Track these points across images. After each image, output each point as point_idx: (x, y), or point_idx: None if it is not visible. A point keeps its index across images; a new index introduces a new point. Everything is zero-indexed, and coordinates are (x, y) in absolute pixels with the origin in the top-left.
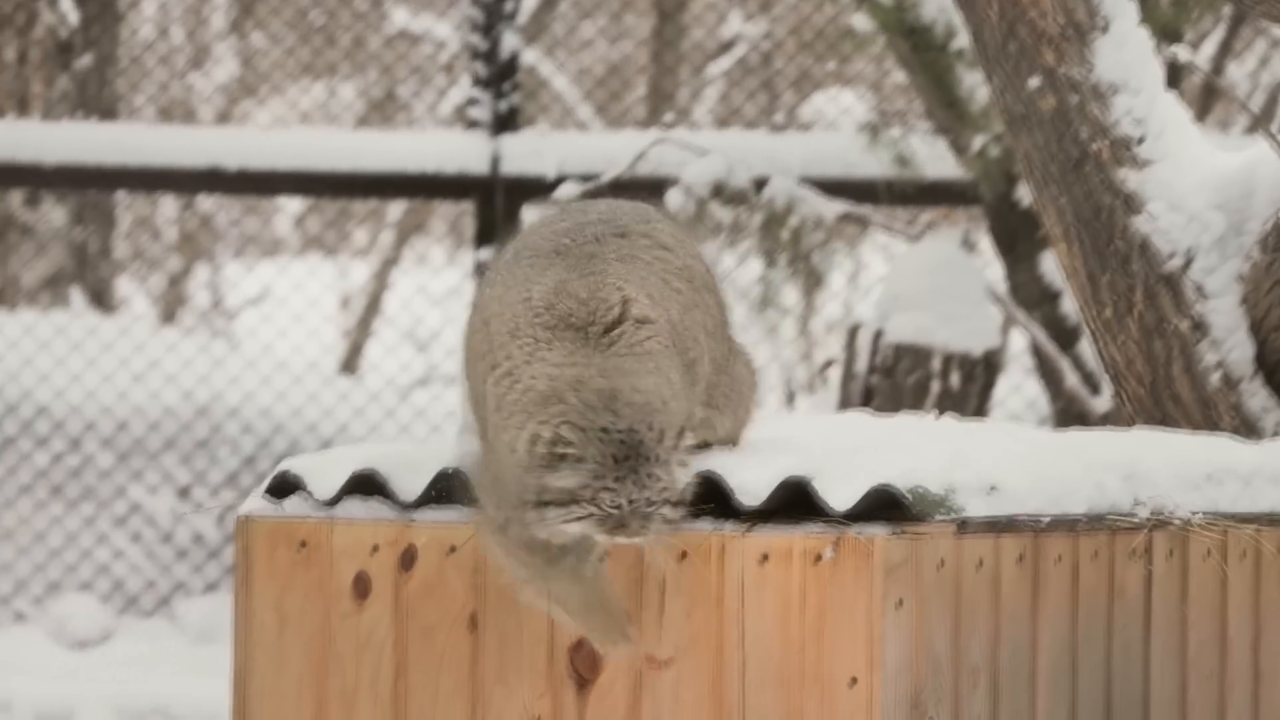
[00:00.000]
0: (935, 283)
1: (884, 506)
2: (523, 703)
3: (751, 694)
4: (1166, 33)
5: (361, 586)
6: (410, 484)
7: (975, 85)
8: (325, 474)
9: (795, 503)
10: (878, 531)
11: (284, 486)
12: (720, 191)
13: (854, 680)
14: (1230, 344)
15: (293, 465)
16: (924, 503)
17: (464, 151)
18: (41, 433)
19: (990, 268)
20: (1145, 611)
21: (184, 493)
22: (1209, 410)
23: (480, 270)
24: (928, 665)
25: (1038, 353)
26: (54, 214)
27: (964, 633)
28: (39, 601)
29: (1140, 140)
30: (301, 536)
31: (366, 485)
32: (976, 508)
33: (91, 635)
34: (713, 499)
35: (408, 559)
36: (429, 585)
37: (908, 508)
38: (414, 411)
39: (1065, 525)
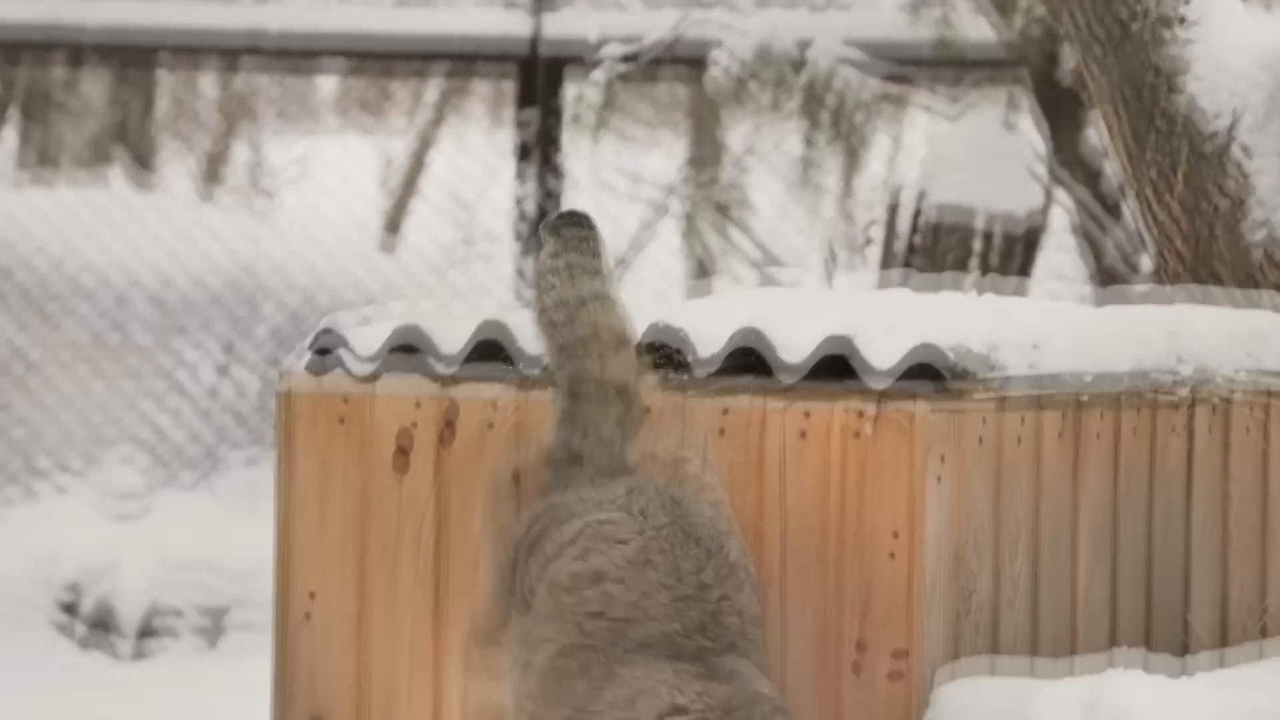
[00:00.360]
0: (976, 158)
1: (926, 373)
2: None
3: (791, 565)
4: None
5: (402, 457)
6: (452, 347)
7: None
8: (366, 340)
9: (837, 370)
10: (918, 406)
11: (324, 353)
12: (760, 67)
13: (893, 554)
14: (1276, 204)
15: (333, 328)
16: (967, 361)
17: (504, 26)
18: (81, 306)
19: (1032, 142)
20: (1186, 483)
21: (223, 368)
22: (1253, 281)
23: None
24: (968, 535)
25: (1080, 227)
26: (93, 88)
27: (1005, 501)
28: (81, 471)
29: (1186, 4)
30: (341, 405)
31: (408, 347)
32: (1020, 370)
33: (133, 506)
34: (753, 366)
35: (449, 429)
36: (470, 455)
37: (950, 368)
38: (452, 288)
39: (1107, 398)
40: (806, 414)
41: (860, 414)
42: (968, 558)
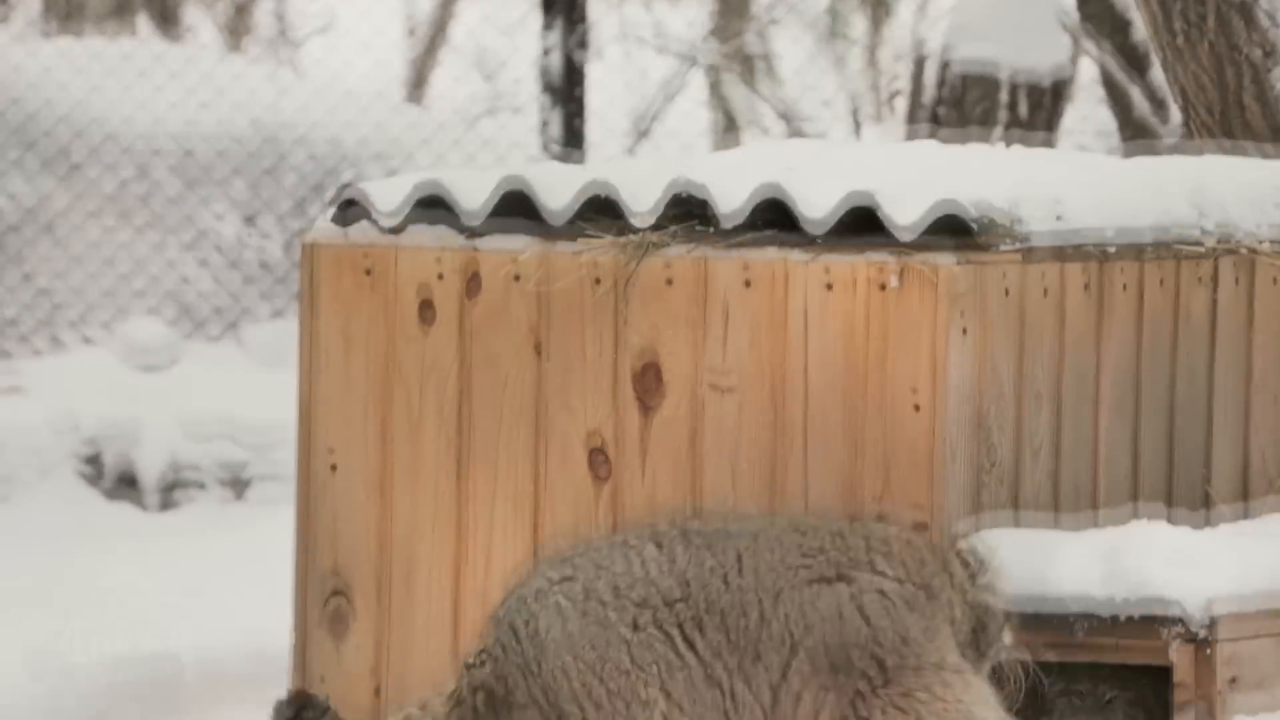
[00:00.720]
0: (1004, 10)
1: (951, 230)
2: (586, 427)
3: (814, 418)
4: None
5: (427, 311)
6: (476, 201)
7: None
8: (390, 194)
9: (861, 226)
10: (943, 255)
11: (348, 206)
12: None
13: (917, 406)
14: None
15: (358, 190)
16: (990, 224)
17: None
18: (108, 158)
19: None
20: (1210, 336)
21: (250, 219)
22: None
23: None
24: (991, 391)
25: (1107, 81)
26: None
27: (1028, 358)
28: (107, 325)
29: None
30: (366, 261)
31: (432, 202)
32: (1043, 231)
33: (159, 359)
34: (777, 222)
35: (473, 285)
36: (494, 310)
37: (974, 231)
38: (480, 140)
39: (1131, 251)
40: (827, 269)
41: (885, 266)
42: (990, 411)
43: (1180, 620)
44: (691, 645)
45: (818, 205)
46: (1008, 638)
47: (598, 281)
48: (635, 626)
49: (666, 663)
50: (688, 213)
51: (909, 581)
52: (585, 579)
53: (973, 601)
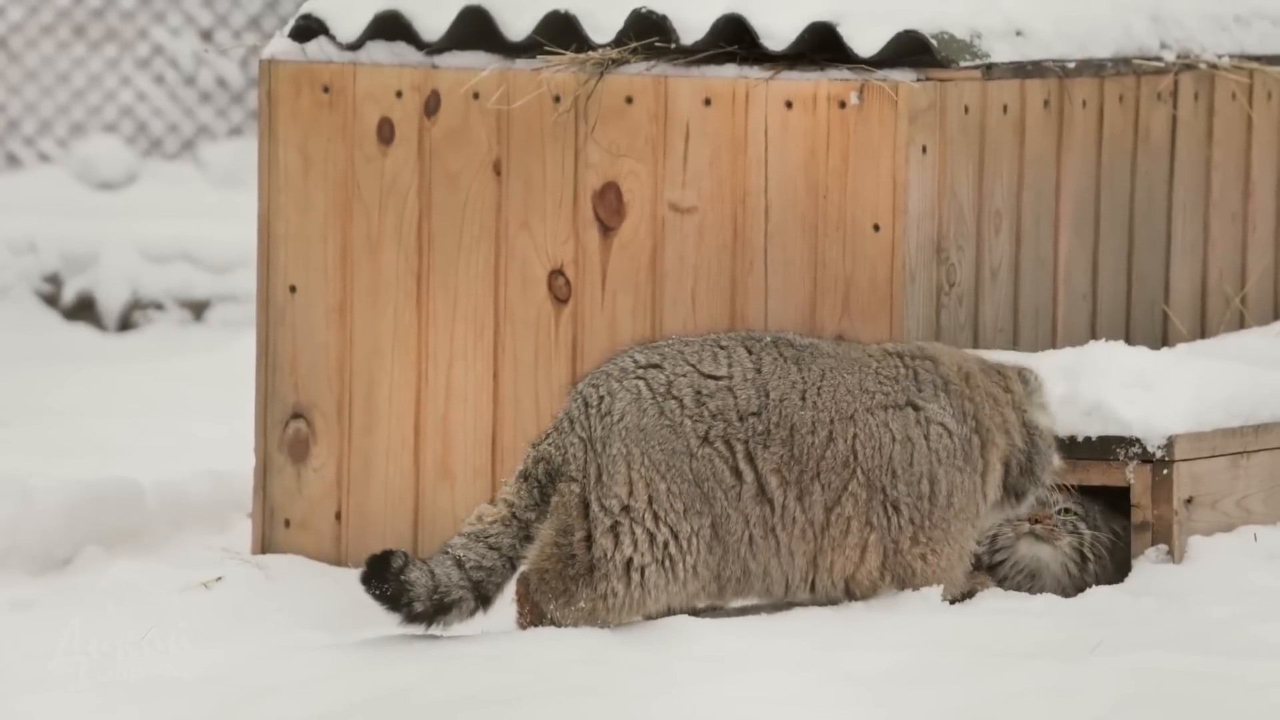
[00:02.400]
0: None
1: (911, 51)
2: (546, 248)
3: (774, 240)
4: None
5: (386, 131)
6: (435, 20)
7: None
8: (349, 15)
9: (822, 47)
10: (903, 76)
11: (307, 28)
12: None
13: (877, 226)
14: None
15: (316, 6)
16: (950, 47)
17: None
18: None
19: None
20: (1170, 154)
21: (207, 35)
22: None
23: None
24: (951, 211)
25: None
26: None
27: (988, 178)
28: (64, 143)
29: None
30: (325, 80)
31: (391, 26)
32: (1003, 52)
33: (116, 176)
34: (737, 41)
35: (432, 104)
36: (453, 131)
37: (934, 52)
38: None
39: (1091, 68)
40: (788, 88)
41: (845, 84)
42: (950, 231)
43: (1138, 441)
44: (752, 461)
45: (779, 26)
46: (1057, 460)
47: (557, 100)
48: (705, 440)
49: (722, 480)
50: (648, 33)
51: (966, 423)
52: (671, 371)
53: (1028, 421)
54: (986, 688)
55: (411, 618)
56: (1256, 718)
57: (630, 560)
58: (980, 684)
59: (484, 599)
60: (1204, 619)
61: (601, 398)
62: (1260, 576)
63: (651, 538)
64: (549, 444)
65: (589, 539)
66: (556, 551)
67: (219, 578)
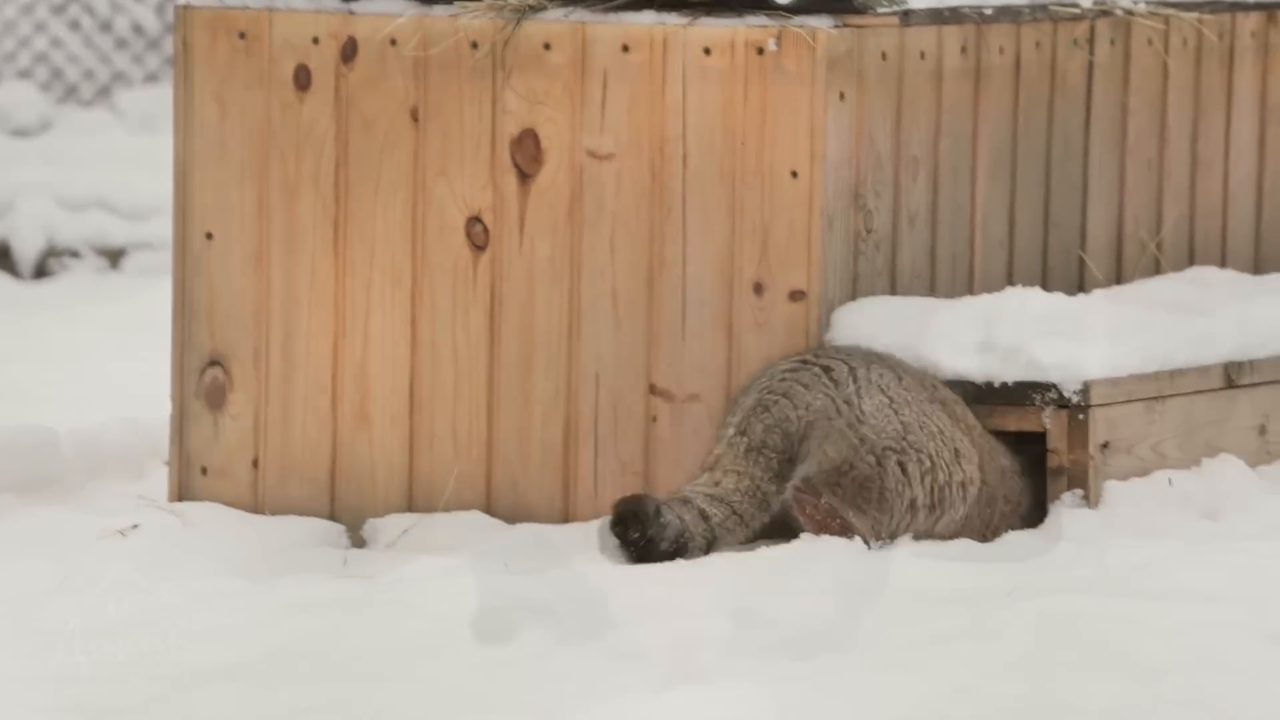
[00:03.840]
0: None
1: (828, 4)
2: (463, 195)
3: (692, 187)
4: None
5: (302, 78)
6: None
7: None
8: None
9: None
10: (821, 23)
11: None
12: None
13: (795, 173)
14: None
15: None
16: None
17: None
18: None
19: None
20: (1086, 100)
21: None
22: None
23: None
24: (869, 158)
25: None
26: None
27: (905, 125)
28: None
29: None
30: (241, 26)
31: None
32: (920, 2)
33: (30, 123)
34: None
35: (349, 50)
36: (370, 78)
37: (851, 1)
38: None
39: (1009, 14)
40: (706, 34)
41: (763, 30)
42: (868, 178)
43: (1054, 386)
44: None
45: None
46: None
47: (475, 46)
48: (934, 400)
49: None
50: None
51: None
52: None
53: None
54: (903, 633)
55: (655, 556)
56: (1172, 660)
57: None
58: (897, 629)
59: (707, 551)
60: (1120, 563)
61: (828, 367)
62: (1175, 520)
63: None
64: (776, 413)
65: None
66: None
67: (135, 525)
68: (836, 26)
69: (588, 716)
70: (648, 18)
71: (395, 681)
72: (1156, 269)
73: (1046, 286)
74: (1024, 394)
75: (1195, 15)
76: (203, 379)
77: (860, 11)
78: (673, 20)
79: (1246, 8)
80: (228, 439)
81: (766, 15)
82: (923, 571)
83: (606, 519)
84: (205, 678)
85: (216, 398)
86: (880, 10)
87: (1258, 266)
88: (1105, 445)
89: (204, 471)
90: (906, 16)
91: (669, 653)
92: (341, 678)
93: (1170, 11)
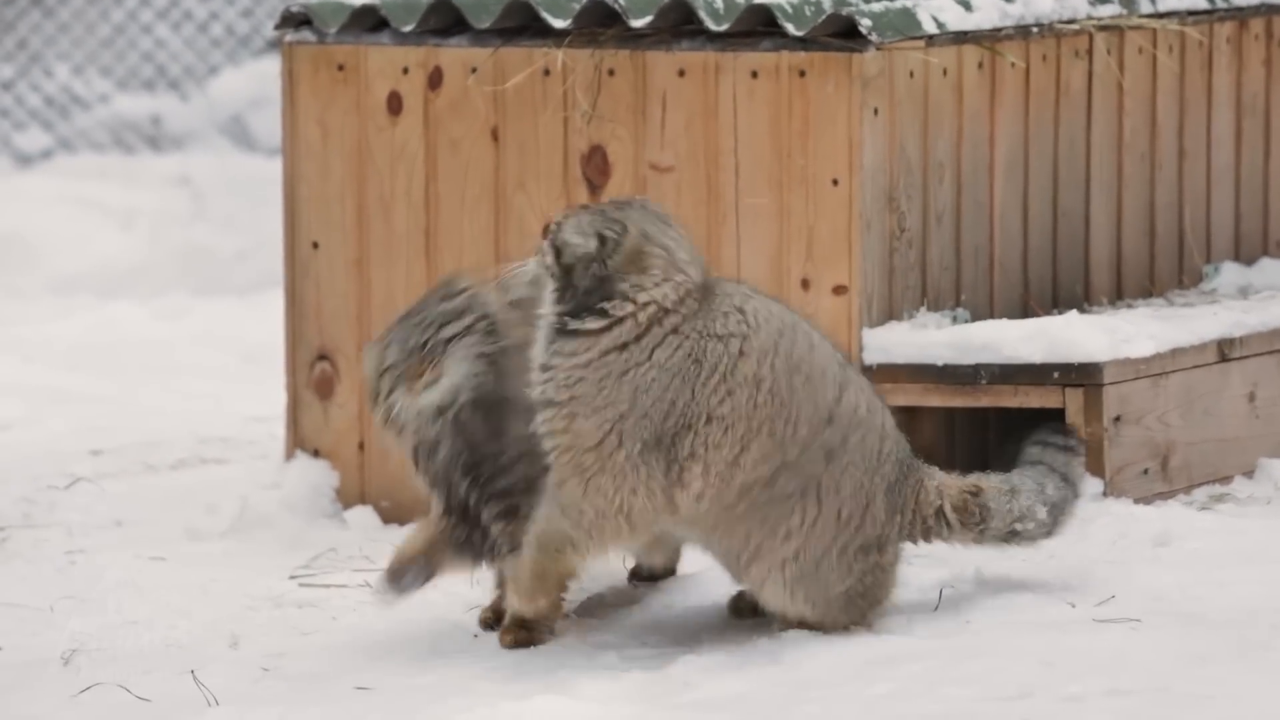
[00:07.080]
0: None
1: (845, 31)
2: (540, 205)
3: (744, 194)
4: None
5: (394, 103)
6: (410, 17)
7: None
8: (331, 14)
9: (761, 25)
10: (856, 45)
11: (294, 24)
12: None
13: (836, 180)
14: None
15: (297, 7)
16: (885, 20)
17: None
18: None
19: None
20: (1087, 104)
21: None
22: None
23: None
24: (900, 165)
25: None
26: None
27: (931, 134)
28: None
29: None
30: (340, 59)
31: (373, 21)
32: (945, 19)
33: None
34: (685, 23)
35: (435, 78)
36: (454, 102)
37: (864, 34)
38: None
39: (1020, 32)
40: (753, 60)
41: (805, 56)
42: (900, 183)
43: (1071, 366)
44: None
45: (718, 16)
46: None
47: (547, 73)
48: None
49: None
50: (603, 20)
51: None
52: None
53: None
54: None
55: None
56: None
57: None
58: None
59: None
60: None
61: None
62: None
63: None
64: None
65: None
66: None
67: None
68: (869, 47)
69: None
70: (699, 42)
71: None
72: (1151, 250)
73: (1056, 268)
74: (1045, 373)
75: (1178, 25)
76: (313, 372)
77: (887, 46)
78: (720, 47)
79: (1222, 17)
80: (335, 424)
81: (804, 45)
82: None
83: None
84: None
85: (325, 388)
86: (905, 42)
87: (1238, 244)
88: (1117, 419)
89: (316, 454)
90: (930, 39)
91: None
92: None
93: (1157, 23)
